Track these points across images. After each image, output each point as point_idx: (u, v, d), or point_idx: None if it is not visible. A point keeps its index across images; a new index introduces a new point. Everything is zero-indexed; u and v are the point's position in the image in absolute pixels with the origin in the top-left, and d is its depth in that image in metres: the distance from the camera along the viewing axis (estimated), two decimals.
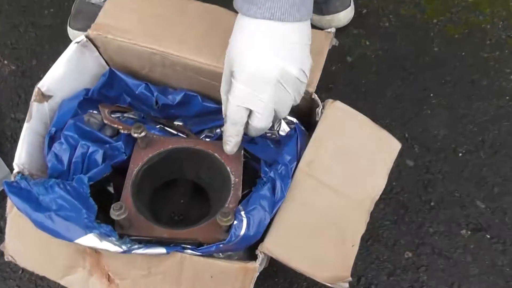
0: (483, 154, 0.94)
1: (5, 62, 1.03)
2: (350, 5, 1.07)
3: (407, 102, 1.00)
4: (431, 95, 1.01)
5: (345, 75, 1.03)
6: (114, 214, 0.53)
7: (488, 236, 0.86)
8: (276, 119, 0.61)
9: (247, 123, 0.59)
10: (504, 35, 1.11)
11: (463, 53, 1.08)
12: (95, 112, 0.69)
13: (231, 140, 0.61)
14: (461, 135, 0.96)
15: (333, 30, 0.70)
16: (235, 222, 0.55)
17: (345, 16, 1.07)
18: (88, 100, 0.69)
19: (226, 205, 0.59)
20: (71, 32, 1.03)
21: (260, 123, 0.58)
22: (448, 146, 0.95)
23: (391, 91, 1.01)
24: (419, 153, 0.94)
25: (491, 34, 1.11)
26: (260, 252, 0.56)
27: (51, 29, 1.06)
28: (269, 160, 0.63)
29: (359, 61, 1.05)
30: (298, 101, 0.61)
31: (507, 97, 1.02)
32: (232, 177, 0.62)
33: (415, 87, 1.02)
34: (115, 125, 0.66)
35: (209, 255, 0.57)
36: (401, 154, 0.92)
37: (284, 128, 0.66)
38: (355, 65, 1.04)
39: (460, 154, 0.94)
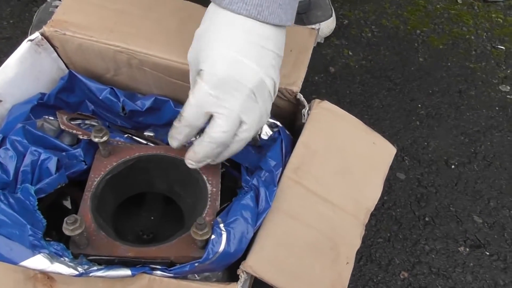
0: (477, 167, 0.89)
1: None
2: (331, 15, 1.03)
3: (394, 113, 0.94)
4: (419, 105, 0.96)
5: (329, 86, 0.97)
6: (68, 228, 0.44)
7: (488, 253, 0.79)
8: (244, 140, 0.50)
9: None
10: (489, 46, 1.08)
11: (449, 64, 1.03)
12: (51, 118, 0.60)
13: (179, 139, 0.52)
14: (452, 146, 0.91)
15: (317, 26, 0.64)
16: (213, 236, 0.47)
17: (327, 26, 1.02)
18: (43, 105, 0.61)
19: (203, 216, 0.50)
20: None
21: (218, 131, 0.48)
22: (440, 158, 0.89)
23: (378, 101, 0.95)
24: (409, 166, 0.87)
25: (476, 45, 1.08)
26: (243, 271, 0.48)
27: (10, 41, 0.98)
28: (250, 166, 0.56)
29: (342, 71, 0.99)
30: (264, 123, 0.52)
31: (497, 108, 0.97)
32: (209, 187, 0.54)
33: (402, 98, 0.97)
34: (73, 131, 0.58)
35: (183, 276, 0.48)
36: (391, 167, 0.87)
37: (266, 131, 0.59)
38: (338, 76, 0.99)
39: (453, 167, 0.88)
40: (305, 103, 0.59)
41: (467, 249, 0.79)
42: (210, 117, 0.49)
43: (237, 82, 0.47)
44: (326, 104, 0.59)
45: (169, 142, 0.53)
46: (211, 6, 0.50)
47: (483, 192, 0.86)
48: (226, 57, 0.47)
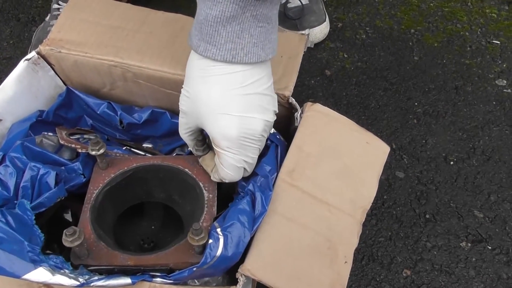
0: (476, 161, 0.89)
1: None
2: (325, 20, 1.04)
3: (391, 113, 0.95)
4: (416, 104, 0.96)
5: (325, 88, 0.98)
6: (67, 240, 0.46)
7: (490, 247, 0.79)
8: None
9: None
10: (484, 41, 1.08)
11: (444, 61, 1.04)
12: (50, 134, 0.62)
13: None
14: (450, 143, 0.91)
15: (307, 32, 0.66)
16: (210, 241, 0.48)
17: (320, 31, 1.03)
18: (42, 122, 0.62)
19: (199, 222, 0.51)
20: None
21: (248, 174, 0.55)
22: (438, 155, 0.89)
23: (374, 102, 0.96)
24: (408, 164, 0.88)
25: (470, 41, 1.08)
26: (241, 274, 0.49)
27: (11, 61, 1.00)
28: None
29: (338, 74, 1.00)
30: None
31: (494, 102, 0.98)
32: (206, 193, 0.55)
33: (398, 97, 0.97)
34: (72, 145, 0.59)
35: (183, 282, 0.49)
36: (390, 166, 0.88)
37: None
38: (334, 78, 1.00)
39: (452, 163, 0.89)
40: (297, 106, 0.60)
41: (469, 244, 0.79)
42: None
43: (252, 137, 0.51)
44: (318, 106, 0.60)
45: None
46: (192, 53, 0.51)
47: (483, 187, 0.86)
48: (229, 120, 0.49)
